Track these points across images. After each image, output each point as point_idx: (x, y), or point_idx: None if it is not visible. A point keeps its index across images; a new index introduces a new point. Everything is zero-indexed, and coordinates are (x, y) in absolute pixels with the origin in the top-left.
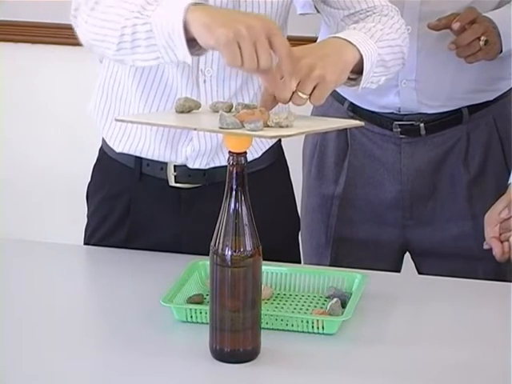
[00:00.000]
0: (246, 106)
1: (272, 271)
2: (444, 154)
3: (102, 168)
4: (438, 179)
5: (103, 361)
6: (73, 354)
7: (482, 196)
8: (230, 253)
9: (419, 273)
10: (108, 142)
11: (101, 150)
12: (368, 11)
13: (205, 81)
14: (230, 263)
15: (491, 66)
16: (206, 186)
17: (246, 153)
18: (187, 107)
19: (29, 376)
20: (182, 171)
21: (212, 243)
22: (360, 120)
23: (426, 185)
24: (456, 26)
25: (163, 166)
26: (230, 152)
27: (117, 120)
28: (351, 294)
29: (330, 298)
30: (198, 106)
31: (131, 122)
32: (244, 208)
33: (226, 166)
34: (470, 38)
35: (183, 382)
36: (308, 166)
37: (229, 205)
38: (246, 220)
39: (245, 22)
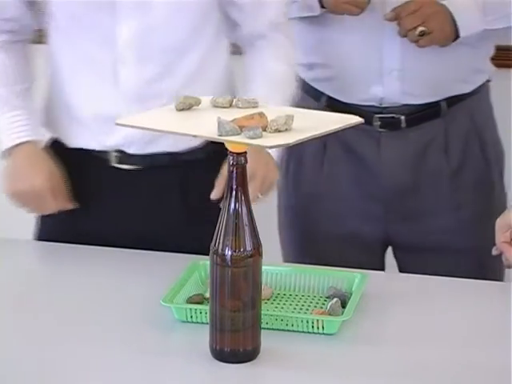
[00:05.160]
0: (247, 102)
1: (272, 271)
2: (423, 147)
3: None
4: (419, 173)
5: (103, 360)
6: (72, 354)
7: (464, 189)
8: (229, 253)
9: (400, 267)
10: (56, 138)
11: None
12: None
13: (123, 63)
14: (230, 263)
15: (472, 56)
16: (146, 169)
17: (245, 153)
18: (187, 104)
19: (29, 376)
20: (123, 154)
21: (212, 243)
22: None
23: (406, 178)
24: (387, 16)
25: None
26: (230, 152)
27: (117, 124)
28: (351, 294)
29: (330, 297)
30: (198, 102)
31: (132, 126)
32: (244, 208)
33: (166, 154)
34: (406, 28)
35: (183, 382)
36: (285, 163)
37: (229, 205)
38: (246, 220)
39: (24, 183)
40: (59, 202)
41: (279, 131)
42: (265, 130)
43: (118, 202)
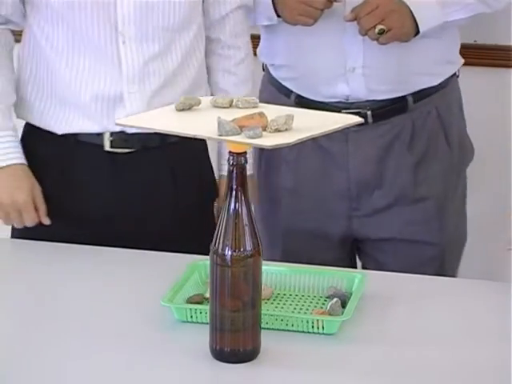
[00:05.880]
0: (247, 102)
1: (272, 271)
2: (390, 141)
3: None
4: (384, 167)
5: (103, 361)
6: (72, 354)
7: (428, 181)
8: (229, 253)
9: (365, 261)
10: (44, 128)
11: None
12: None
13: (124, 42)
14: (230, 263)
15: (436, 48)
16: (139, 150)
17: (245, 153)
18: (187, 105)
19: (28, 376)
20: (119, 136)
21: (212, 243)
22: None
23: (372, 173)
24: (346, 17)
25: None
26: (229, 152)
27: (117, 124)
28: (351, 294)
29: (330, 297)
30: (198, 102)
31: (133, 126)
32: (244, 208)
33: (157, 134)
34: (365, 27)
35: (183, 381)
36: (258, 158)
37: (229, 205)
38: (246, 220)
39: (8, 196)
40: (38, 217)
41: (279, 131)
42: (265, 130)
43: (112, 186)
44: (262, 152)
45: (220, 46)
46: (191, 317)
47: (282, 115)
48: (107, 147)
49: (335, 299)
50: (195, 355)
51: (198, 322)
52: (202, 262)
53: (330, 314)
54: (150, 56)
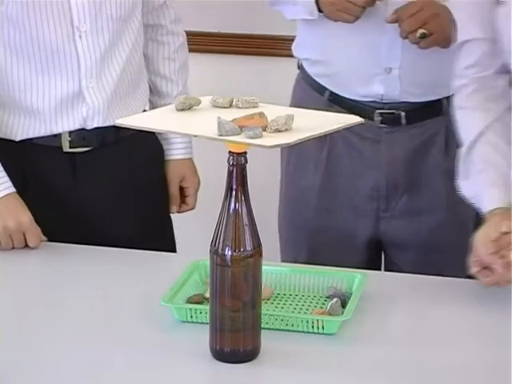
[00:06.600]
0: (247, 102)
1: (272, 271)
2: (423, 144)
3: None
4: (417, 169)
5: (103, 360)
6: (72, 354)
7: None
8: (229, 253)
9: (387, 264)
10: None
11: None
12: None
13: (80, 36)
14: (229, 263)
15: None
16: (97, 148)
17: (245, 153)
18: (187, 105)
19: (28, 375)
20: (78, 135)
21: (212, 243)
22: (341, 109)
23: (403, 174)
24: (388, 18)
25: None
26: (230, 152)
27: (117, 124)
28: (351, 294)
29: (329, 297)
30: (198, 102)
31: (133, 126)
32: (244, 208)
33: (114, 128)
34: (407, 30)
35: (183, 381)
36: (287, 157)
37: (229, 205)
38: (246, 220)
39: (13, 221)
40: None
41: (279, 131)
42: (265, 130)
43: (74, 187)
44: (290, 151)
45: (160, 32)
46: (191, 317)
47: (282, 115)
48: (66, 148)
49: (335, 299)
50: (195, 355)
51: (198, 322)
52: (202, 262)
53: (329, 314)
54: (105, 48)
